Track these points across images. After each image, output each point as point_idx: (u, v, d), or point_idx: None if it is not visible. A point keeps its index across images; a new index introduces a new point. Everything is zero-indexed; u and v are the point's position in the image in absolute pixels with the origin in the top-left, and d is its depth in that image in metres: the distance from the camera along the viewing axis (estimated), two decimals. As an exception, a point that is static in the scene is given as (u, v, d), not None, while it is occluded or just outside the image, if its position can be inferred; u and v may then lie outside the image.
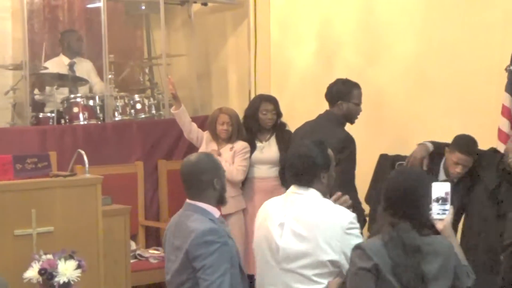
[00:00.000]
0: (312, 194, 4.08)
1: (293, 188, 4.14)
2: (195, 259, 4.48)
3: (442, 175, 5.79)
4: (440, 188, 4.09)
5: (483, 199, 5.61)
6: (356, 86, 6.79)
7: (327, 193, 4.24)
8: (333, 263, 3.88)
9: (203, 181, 4.64)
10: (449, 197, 4.14)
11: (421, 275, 3.62)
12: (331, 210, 4.05)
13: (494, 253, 5.31)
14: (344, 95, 6.63)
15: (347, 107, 6.65)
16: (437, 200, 4.07)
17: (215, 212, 4.70)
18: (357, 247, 3.75)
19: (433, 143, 6.11)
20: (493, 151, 5.91)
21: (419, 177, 4.00)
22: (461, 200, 5.68)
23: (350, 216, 4.01)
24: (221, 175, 4.81)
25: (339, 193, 4.61)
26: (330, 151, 4.29)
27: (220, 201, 4.83)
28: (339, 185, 4.77)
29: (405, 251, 3.65)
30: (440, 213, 4.02)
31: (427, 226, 3.97)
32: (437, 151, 6.02)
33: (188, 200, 4.70)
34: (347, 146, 6.50)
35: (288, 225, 3.98)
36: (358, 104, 6.71)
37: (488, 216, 5.48)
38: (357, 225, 4.03)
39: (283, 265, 3.97)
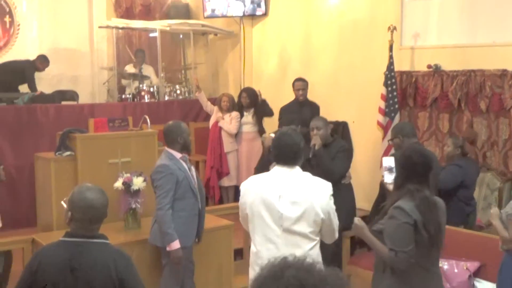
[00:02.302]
0: (298, 170, 3.34)
1: (281, 167, 3.33)
2: (152, 182, 4.47)
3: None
4: (389, 161, 3.56)
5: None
6: (296, 80, 7.02)
7: None
8: (322, 221, 3.26)
9: (171, 136, 4.51)
10: (394, 168, 3.57)
11: (439, 225, 3.23)
12: (317, 181, 3.38)
13: None
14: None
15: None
16: (389, 169, 3.56)
17: (177, 154, 4.49)
18: (397, 207, 3.21)
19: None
20: (307, 132, 5.20)
21: (430, 154, 3.45)
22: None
23: (330, 185, 3.37)
24: (184, 135, 4.55)
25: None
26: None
27: (184, 150, 4.59)
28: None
29: (431, 208, 3.20)
30: (390, 181, 3.52)
31: None
32: None
33: (165, 147, 4.63)
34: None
35: (286, 196, 3.23)
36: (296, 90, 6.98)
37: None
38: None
39: (286, 227, 3.23)
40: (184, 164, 4.52)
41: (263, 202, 3.26)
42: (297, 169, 3.33)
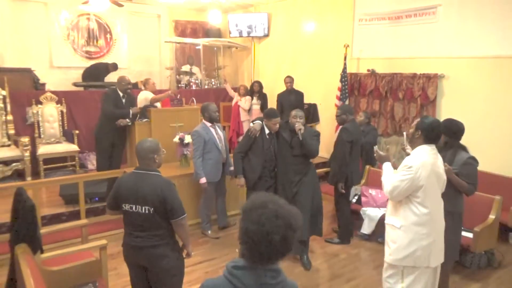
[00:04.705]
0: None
1: (430, 146, 2.66)
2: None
3: (267, 130, 4.05)
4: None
5: (284, 146, 3.99)
6: (286, 76, 6.82)
7: None
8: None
9: (202, 112, 4.45)
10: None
11: None
12: None
13: (288, 168, 3.99)
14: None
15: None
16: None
17: (207, 124, 4.39)
18: (470, 157, 3.08)
19: (261, 119, 4.13)
20: (285, 122, 4.06)
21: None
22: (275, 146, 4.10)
23: None
24: (210, 112, 4.35)
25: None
26: None
27: (212, 121, 4.40)
28: None
29: None
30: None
31: None
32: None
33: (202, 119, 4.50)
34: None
35: (441, 166, 2.65)
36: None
37: (286, 153, 3.97)
38: None
39: (442, 190, 2.70)
40: (212, 130, 4.42)
41: (435, 174, 2.63)
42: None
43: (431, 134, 2.66)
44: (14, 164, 5.79)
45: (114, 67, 7.74)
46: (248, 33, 8.53)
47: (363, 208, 4.68)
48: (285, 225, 1.36)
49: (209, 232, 4.64)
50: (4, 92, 6.04)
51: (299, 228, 1.39)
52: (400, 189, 2.61)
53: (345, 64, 6.40)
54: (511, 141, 4.92)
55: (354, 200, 4.82)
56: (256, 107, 7.35)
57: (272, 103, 7.27)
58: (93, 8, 7.31)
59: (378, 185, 4.91)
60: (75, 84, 7.36)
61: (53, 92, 6.63)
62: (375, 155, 2.98)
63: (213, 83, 8.71)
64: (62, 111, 6.62)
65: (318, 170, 5.77)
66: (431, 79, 5.55)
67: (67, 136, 6.64)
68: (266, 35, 8.42)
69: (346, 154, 4.25)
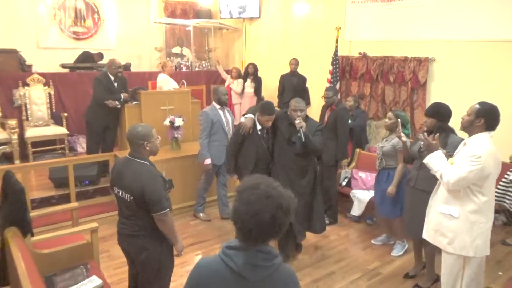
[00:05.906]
0: None
1: (489, 134, 2.56)
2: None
3: (258, 125, 3.58)
4: None
5: (282, 142, 3.51)
6: (292, 58, 6.65)
7: None
8: None
9: (214, 94, 4.34)
10: None
11: None
12: None
13: (288, 167, 3.51)
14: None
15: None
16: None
17: (216, 106, 4.28)
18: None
19: (254, 114, 3.62)
20: (284, 111, 3.58)
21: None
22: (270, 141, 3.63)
23: None
24: (220, 94, 4.27)
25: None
26: None
27: (221, 104, 4.30)
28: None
29: None
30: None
31: None
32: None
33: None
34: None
35: None
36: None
37: (286, 150, 3.48)
38: None
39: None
40: (220, 112, 4.32)
41: (498, 163, 2.51)
42: None
43: (495, 121, 2.52)
44: (1, 147, 5.71)
45: (100, 56, 7.56)
46: (239, 13, 8.40)
47: (353, 191, 4.72)
48: (275, 205, 1.36)
49: (201, 214, 4.64)
50: (-11, 74, 5.92)
51: (291, 211, 1.39)
52: (467, 180, 2.47)
53: (336, 47, 6.35)
54: (500, 126, 4.96)
55: (344, 183, 4.86)
56: (250, 90, 7.29)
57: (266, 86, 7.22)
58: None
59: (367, 167, 4.95)
60: (63, 66, 7.21)
61: (40, 74, 6.51)
62: (422, 143, 2.63)
63: (204, 65, 8.60)
64: (50, 93, 6.51)
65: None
66: (422, 63, 5.55)
67: (56, 118, 6.54)
68: (258, 17, 8.29)
69: (346, 134, 4.31)
